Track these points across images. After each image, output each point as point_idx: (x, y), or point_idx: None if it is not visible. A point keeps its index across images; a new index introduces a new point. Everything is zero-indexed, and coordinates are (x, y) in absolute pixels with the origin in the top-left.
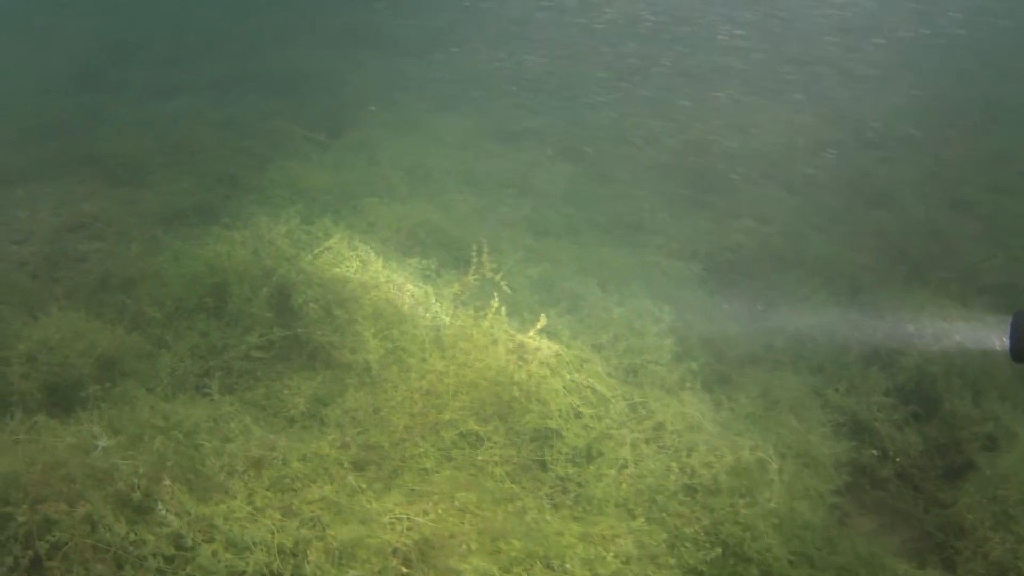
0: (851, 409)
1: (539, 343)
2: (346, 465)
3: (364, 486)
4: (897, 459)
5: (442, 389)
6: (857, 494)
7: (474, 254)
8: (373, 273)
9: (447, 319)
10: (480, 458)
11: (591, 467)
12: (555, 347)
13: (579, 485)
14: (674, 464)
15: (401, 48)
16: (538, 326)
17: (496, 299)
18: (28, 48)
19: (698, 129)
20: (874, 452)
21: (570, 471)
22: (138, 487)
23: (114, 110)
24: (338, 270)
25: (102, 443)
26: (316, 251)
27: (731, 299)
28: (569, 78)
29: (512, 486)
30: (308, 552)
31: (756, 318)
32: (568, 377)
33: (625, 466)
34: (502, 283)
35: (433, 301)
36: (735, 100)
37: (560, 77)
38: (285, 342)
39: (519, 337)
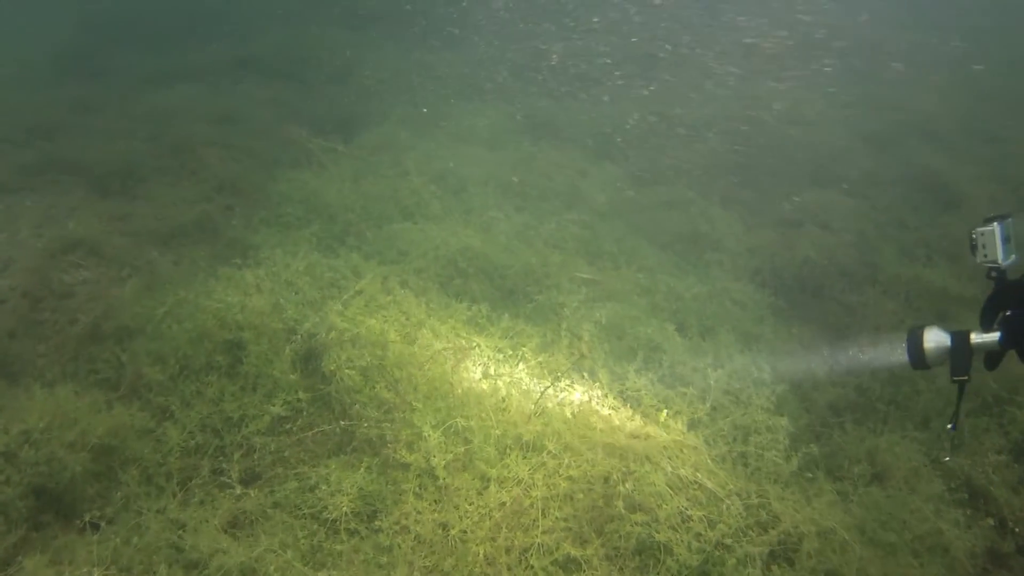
0: (964, 472)
1: (636, 426)
2: None
3: None
4: (1016, 529)
5: (528, 503)
6: None
7: (564, 332)
8: (417, 324)
9: (520, 400)
10: None
11: None
12: (651, 430)
13: None
14: None
15: (413, 29)
16: (660, 419)
17: (594, 387)
18: (2, 34)
19: (742, 122)
20: (991, 522)
21: None
22: None
23: (100, 104)
24: (374, 322)
25: None
26: (345, 297)
27: (807, 328)
28: (594, 62)
29: None
30: None
31: (839, 354)
32: (670, 470)
33: None
34: (592, 361)
35: (496, 372)
36: (778, 90)
37: (586, 61)
38: (315, 410)
39: (620, 422)
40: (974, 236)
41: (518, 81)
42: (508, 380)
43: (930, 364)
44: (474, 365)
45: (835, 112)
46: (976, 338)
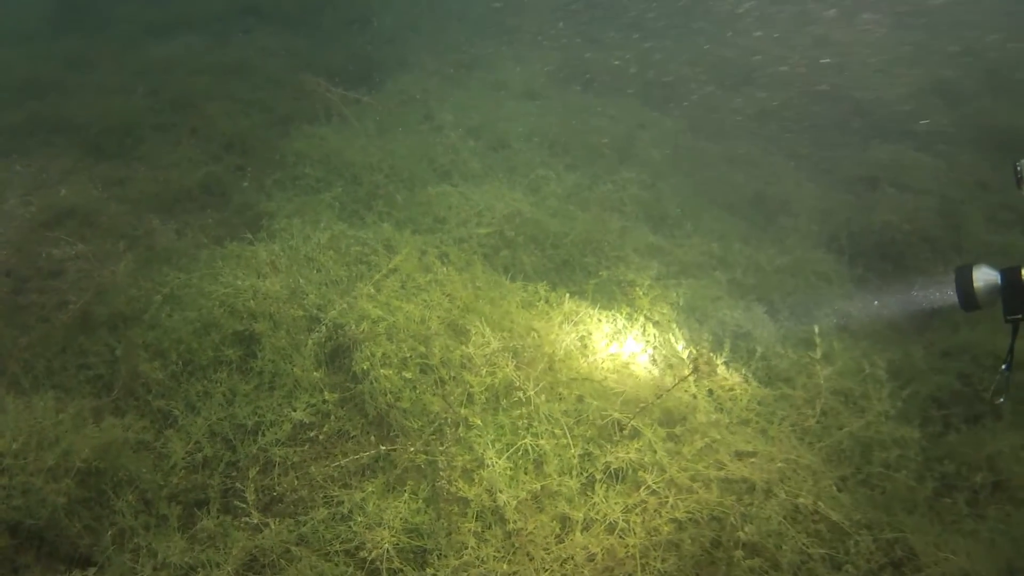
0: None
1: (740, 441)
2: None
3: None
4: None
5: (622, 553)
6: None
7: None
8: (464, 309)
9: (601, 413)
10: None
11: None
12: (758, 445)
13: None
14: None
15: None
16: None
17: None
18: None
19: (805, 68)
20: None
21: None
22: None
23: (97, 58)
24: (413, 307)
25: None
26: (377, 276)
27: (896, 304)
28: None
29: None
30: None
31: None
32: (784, 497)
33: None
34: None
35: (567, 374)
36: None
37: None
38: (345, 414)
39: (721, 436)
40: (1019, 167)
41: (562, 24)
42: (584, 385)
43: (981, 304)
44: (541, 363)
45: (904, 59)
46: None
